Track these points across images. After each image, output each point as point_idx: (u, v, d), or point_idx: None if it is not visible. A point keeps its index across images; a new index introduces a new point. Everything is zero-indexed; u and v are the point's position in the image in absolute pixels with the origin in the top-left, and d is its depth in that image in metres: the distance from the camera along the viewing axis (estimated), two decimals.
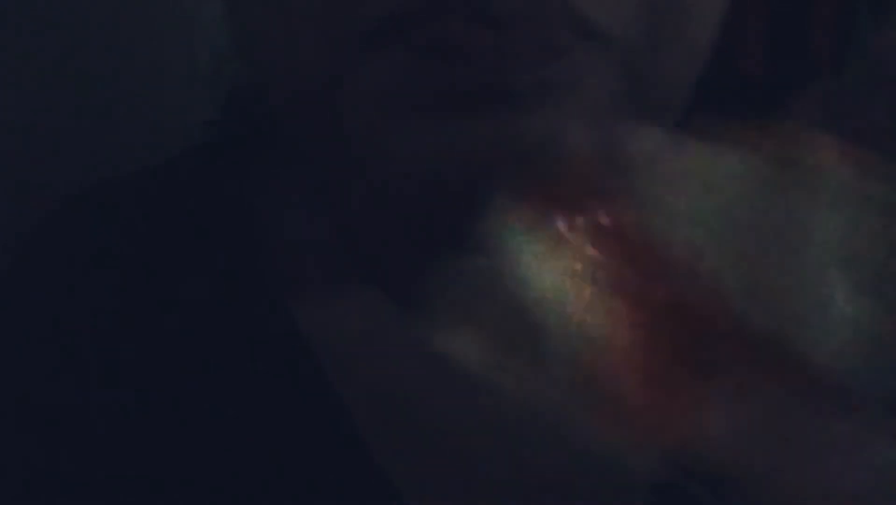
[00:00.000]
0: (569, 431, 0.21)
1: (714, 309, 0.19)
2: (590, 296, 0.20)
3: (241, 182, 0.42)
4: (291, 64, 0.33)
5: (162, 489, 0.36)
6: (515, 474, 0.39)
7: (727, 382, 0.20)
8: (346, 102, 0.32)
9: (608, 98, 0.33)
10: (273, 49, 0.33)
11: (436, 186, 0.32)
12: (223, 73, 0.45)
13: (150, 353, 0.38)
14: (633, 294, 0.20)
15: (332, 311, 0.40)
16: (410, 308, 0.39)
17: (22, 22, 0.49)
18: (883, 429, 0.21)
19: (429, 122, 0.27)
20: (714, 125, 0.26)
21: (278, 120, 0.36)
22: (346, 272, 0.40)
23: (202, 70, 0.46)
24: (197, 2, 0.49)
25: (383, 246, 0.39)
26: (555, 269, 0.21)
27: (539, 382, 0.21)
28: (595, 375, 0.20)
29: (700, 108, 0.36)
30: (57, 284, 0.40)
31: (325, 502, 0.37)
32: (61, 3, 0.50)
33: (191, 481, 0.36)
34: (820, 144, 0.21)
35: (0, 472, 0.37)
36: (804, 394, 0.20)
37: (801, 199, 0.20)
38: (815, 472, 0.21)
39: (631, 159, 0.22)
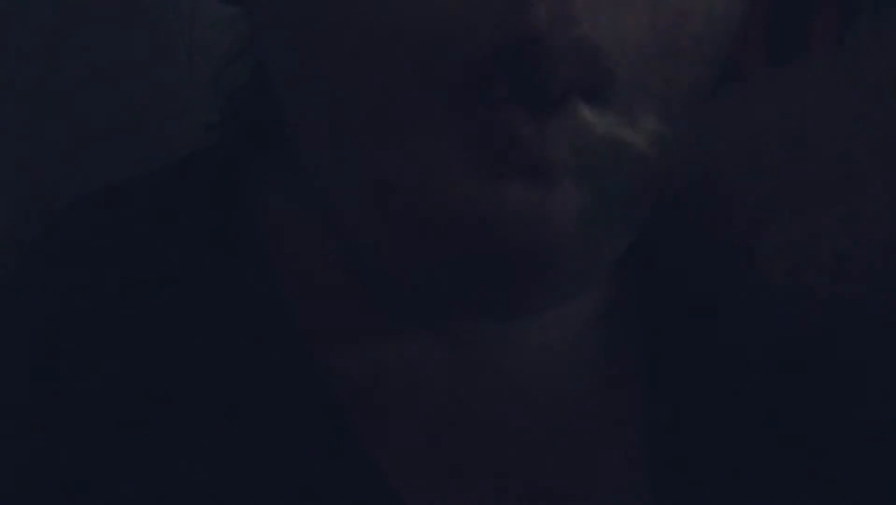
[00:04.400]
0: None
1: None
2: None
3: (242, 185, 0.42)
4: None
5: (162, 489, 0.36)
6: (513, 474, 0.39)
7: None
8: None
9: None
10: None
11: None
12: (223, 77, 0.45)
13: (152, 354, 0.38)
14: None
15: (333, 310, 0.40)
16: (395, 300, 0.39)
17: (22, 25, 0.49)
18: None
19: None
20: None
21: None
22: (346, 274, 0.40)
23: (202, 73, 0.46)
24: (196, 4, 0.48)
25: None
26: None
27: None
28: None
29: None
30: (61, 288, 0.40)
31: (325, 502, 0.37)
32: (61, 6, 0.50)
33: (192, 481, 0.36)
34: None
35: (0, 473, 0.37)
36: None
37: None
38: None
39: None
